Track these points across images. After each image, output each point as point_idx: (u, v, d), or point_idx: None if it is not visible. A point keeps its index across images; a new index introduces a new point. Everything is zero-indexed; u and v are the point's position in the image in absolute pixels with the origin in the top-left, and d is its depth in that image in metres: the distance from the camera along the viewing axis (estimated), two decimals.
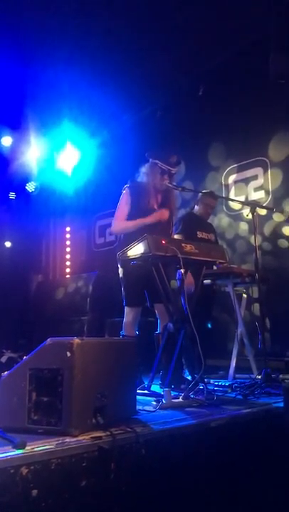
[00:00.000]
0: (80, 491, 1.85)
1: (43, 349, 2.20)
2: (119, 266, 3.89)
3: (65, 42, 5.60)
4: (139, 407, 2.70)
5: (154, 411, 2.77)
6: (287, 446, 2.72)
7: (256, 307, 5.09)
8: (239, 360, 4.55)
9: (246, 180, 6.01)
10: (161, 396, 3.00)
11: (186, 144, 6.25)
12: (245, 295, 4.92)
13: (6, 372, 2.29)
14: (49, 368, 2.14)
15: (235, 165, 6.15)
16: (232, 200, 5.93)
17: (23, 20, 5.33)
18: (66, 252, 8.86)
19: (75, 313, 7.03)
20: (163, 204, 4.00)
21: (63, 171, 7.76)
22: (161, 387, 3.53)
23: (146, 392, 3.33)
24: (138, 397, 2.77)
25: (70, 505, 1.81)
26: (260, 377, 3.81)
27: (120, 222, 3.93)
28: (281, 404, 2.91)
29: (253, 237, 4.22)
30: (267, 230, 5.65)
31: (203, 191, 5.14)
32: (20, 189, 7.87)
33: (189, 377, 3.92)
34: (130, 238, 3.53)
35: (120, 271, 3.90)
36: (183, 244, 3.36)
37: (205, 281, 4.51)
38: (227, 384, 3.93)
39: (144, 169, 3.98)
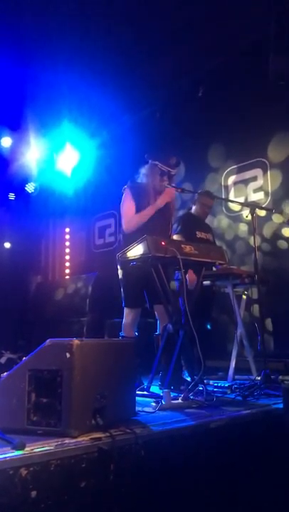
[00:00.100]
0: (79, 492, 1.85)
1: (42, 350, 2.20)
2: (118, 267, 3.88)
3: (64, 43, 5.59)
4: (138, 408, 2.69)
5: (153, 412, 2.77)
6: (286, 448, 2.72)
7: (256, 308, 5.09)
8: (238, 361, 4.55)
9: (246, 182, 6.01)
10: (161, 397, 3.00)
11: (185, 144, 6.25)
12: (244, 296, 4.92)
13: (5, 373, 2.29)
14: (48, 368, 2.14)
15: (235, 166, 6.15)
16: (232, 201, 5.93)
17: (23, 20, 5.33)
18: (65, 252, 8.85)
19: (74, 314, 7.03)
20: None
21: (63, 172, 7.76)
22: (160, 388, 3.52)
23: (145, 393, 3.34)
24: (137, 398, 2.77)
25: (70, 507, 1.81)
26: (259, 378, 3.81)
27: (131, 217, 3.86)
28: (280, 406, 2.91)
29: (252, 238, 4.22)
30: (266, 231, 5.65)
31: (200, 191, 5.14)
32: (20, 190, 7.86)
33: (189, 379, 3.91)
34: (130, 239, 3.53)
35: (120, 272, 3.89)
36: (182, 246, 3.36)
37: (204, 283, 4.51)
38: (226, 385, 3.93)
39: (143, 170, 3.97)
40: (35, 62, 5.92)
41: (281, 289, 5.23)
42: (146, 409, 2.81)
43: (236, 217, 6.06)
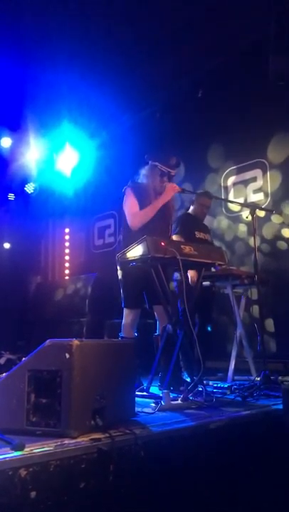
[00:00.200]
0: (78, 492, 1.85)
1: (41, 350, 2.20)
2: (118, 267, 3.88)
3: (64, 43, 5.60)
4: (138, 408, 2.69)
5: (152, 413, 2.77)
6: (286, 448, 2.72)
7: (255, 309, 5.08)
8: (238, 361, 4.55)
9: (245, 182, 6.01)
10: (160, 398, 2.99)
11: (185, 145, 6.25)
12: (244, 297, 4.92)
13: (4, 374, 2.29)
14: (48, 369, 2.13)
15: (235, 167, 6.16)
16: (231, 201, 5.93)
17: (23, 20, 5.33)
18: (65, 253, 8.85)
19: (74, 314, 7.02)
20: (162, 205, 3.98)
21: (62, 172, 7.75)
22: (160, 389, 3.52)
23: (145, 393, 3.33)
24: (137, 398, 2.77)
25: (69, 507, 1.81)
26: (259, 379, 3.81)
27: (137, 214, 3.83)
28: (280, 406, 2.91)
29: (252, 238, 4.23)
30: (266, 231, 5.65)
31: (198, 191, 5.14)
32: (20, 190, 7.85)
33: (188, 379, 3.91)
34: (130, 239, 3.52)
35: (119, 272, 3.89)
36: (182, 246, 3.36)
37: (204, 283, 4.51)
38: (226, 386, 3.92)
39: (143, 171, 3.96)
40: (35, 63, 5.91)
41: (281, 290, 5.23)
42: (146, 409, 2.81)
43: (236, 218, 6.06)
